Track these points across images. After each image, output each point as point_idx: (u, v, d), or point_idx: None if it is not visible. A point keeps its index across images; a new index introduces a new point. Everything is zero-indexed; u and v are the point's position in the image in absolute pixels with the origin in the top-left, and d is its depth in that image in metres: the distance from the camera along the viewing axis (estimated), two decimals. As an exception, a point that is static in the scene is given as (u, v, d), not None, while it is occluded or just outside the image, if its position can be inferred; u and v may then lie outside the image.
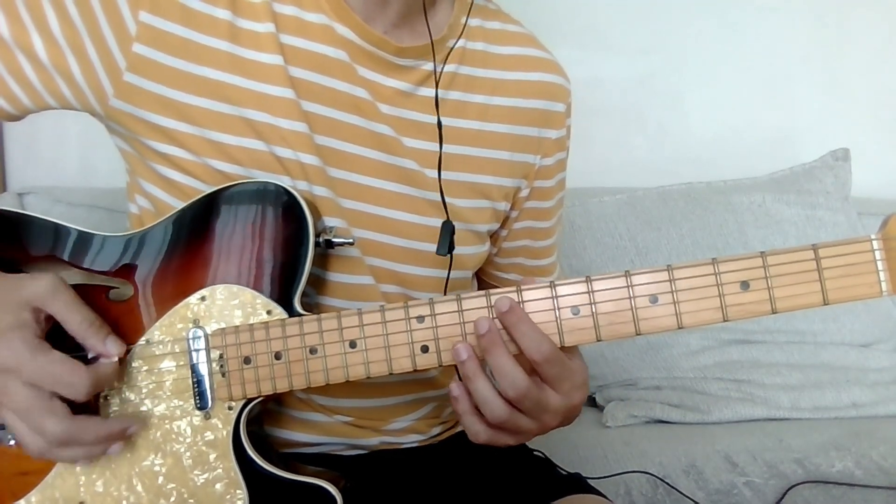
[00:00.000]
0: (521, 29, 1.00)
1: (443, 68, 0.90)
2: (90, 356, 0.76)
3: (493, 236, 1.03)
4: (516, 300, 0.74)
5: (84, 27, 0.79)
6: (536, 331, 0.73)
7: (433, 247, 0.89)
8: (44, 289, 0.73)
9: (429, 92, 0.90)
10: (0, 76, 0.80)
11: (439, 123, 0.88)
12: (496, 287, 0.76)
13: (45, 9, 0.78)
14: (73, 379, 0.70)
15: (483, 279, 1.09)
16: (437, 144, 0.89)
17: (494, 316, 0.74)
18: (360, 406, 0.93)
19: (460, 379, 0.75)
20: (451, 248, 0.87)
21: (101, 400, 0.79)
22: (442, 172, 0.89)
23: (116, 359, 0.75)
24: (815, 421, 1.61)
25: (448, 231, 0.87)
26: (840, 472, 1.39)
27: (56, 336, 0.74)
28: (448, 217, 0.88)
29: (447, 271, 0.91)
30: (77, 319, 0.73)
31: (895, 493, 1.35)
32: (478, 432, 0.75)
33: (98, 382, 0.72)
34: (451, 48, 0.91)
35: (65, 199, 1.71)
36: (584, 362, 0.79)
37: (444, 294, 0.88)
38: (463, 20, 0.92)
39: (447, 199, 0.90)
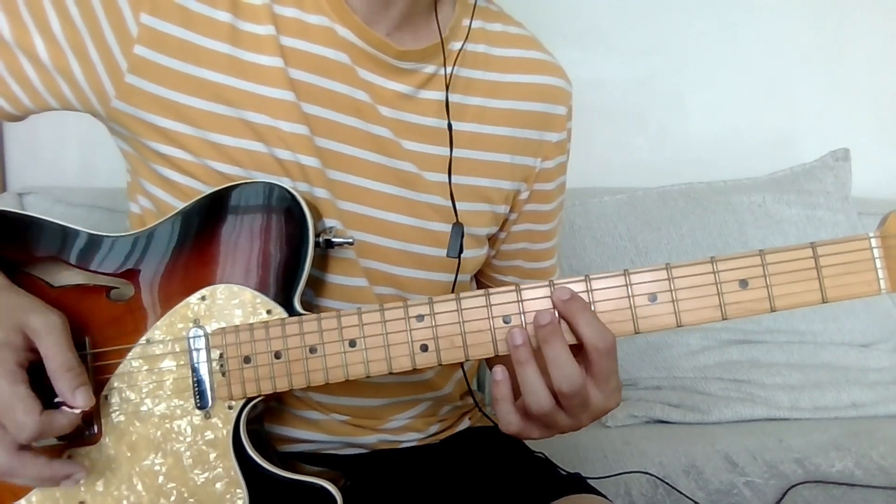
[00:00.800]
0: (522, 31, 1.00)
1: (452, 70, 0.90)
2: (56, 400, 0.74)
3: (492, 239, 1.03)
4: (514, 299, 0.74)
5: (85, 28, 0.79)
6: (598, 320, 0.72)
7: (429, 250, 0.89)
8: (42, 325, 0.72)
9: (430, 95, 0.90)
10: (1, 77, 0.80)
11: (450, 126, 0.88)
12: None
13: (47, 10, 0.79)
14: (22, 418, 0.69)
15: (481, 281, 1.09)
16: (437, 147, 0.89)
17: (553, 304, 0.73)
18: (356, 405, 0.94)
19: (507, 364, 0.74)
20: (461, 250, 0.87)
21: (102, 399, 0.79)
22: (441, 175, 0.89)
23: (79, 412, 0.73)
24: (815, 421, 1.60)
25: (458, 233, 0.87)
26: (840, 472, 1.39)
27: (39, 371, 0.73)
28: (457, 219, 0.88)
29: (451, 274, 0.91)
30: (58, 361, 0.72)
31: (895, 493, 1.35)
32: (511, 422, 0.74)
33: (46, 431, 0.71)
34: (455, 51, 0.91)
35: (65, 200, 1.71)
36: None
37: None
38: (465, 22, 0.92)
39: (445, 202, 0.91)
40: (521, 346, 0.72)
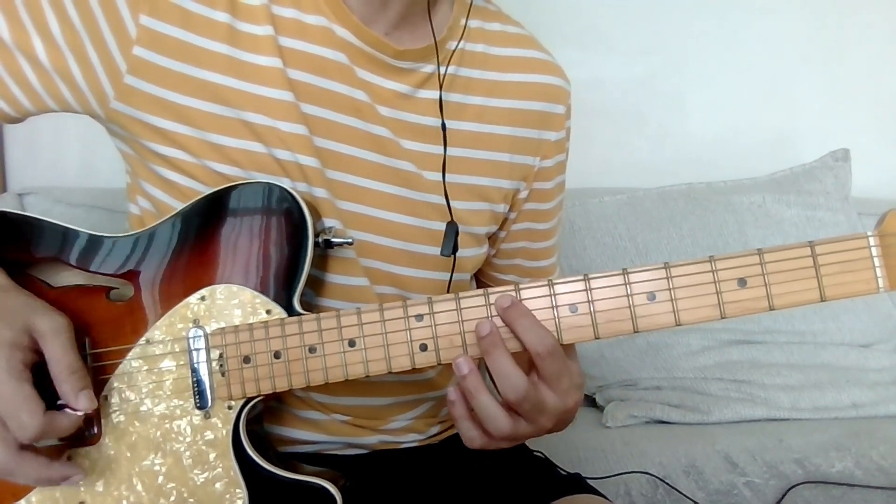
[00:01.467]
0: (521, 30, 1.00)
1: (446, 70, 0.90)
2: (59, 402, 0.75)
3: (492, 238, 1.03)
4: (516, 299, 0.74)
5: (84, 30, 0.79)
6: (539, 325, 0.73)
7: (429, 249, 0.89)
8: (48, 327, 0.73)
9: (428, 94, 0.90)
10: (0, 78, 0.80)
11: (443, 126, 0.88)
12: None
13: (46, 11, 0.79)
14: (25, 418, 0.69)
15: (482, 281, 1.09)
16: (437, 147, 0.89)
17: (494, 315, 0.74)
18: (357, 405, 0.94)
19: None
20: (454, 248, 0.87)
21: (102, 399, 0.79)
22: (437, 174, 0.89)
23: (81, 414, 0.74)
24: (815, 421, 1.60)
25: (452, 232, 0.87)
26: (840, 472, 1.38)
27: (44, 372, 0.73)
28: (452, 218, 0.88)
29: (450, 273, 0.91)
30: (63, 364, 0.73)
31: (895, 493, 1.35)
32: (473, 438, 0.75)
33: (48, 432, 0.71)
34: (452, 50, 0.91)
35: (65, 200, 1.71)
36: (580, 367, 0.79)
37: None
38: (462, 22, 0.92)
39: (444, 201, 0.91)
40: (468, 376, 0.72)
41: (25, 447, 0.72)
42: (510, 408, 0.73)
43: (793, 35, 2.10)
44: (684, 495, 1.34)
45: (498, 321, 0.74)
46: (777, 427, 1.55)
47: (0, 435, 0.70)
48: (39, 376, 0.73)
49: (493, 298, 0.75)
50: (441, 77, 0.89)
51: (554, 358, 0.72)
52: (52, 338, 0.73)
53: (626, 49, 2.07)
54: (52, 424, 0.71)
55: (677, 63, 2.08)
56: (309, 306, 0.82)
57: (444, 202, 0.90)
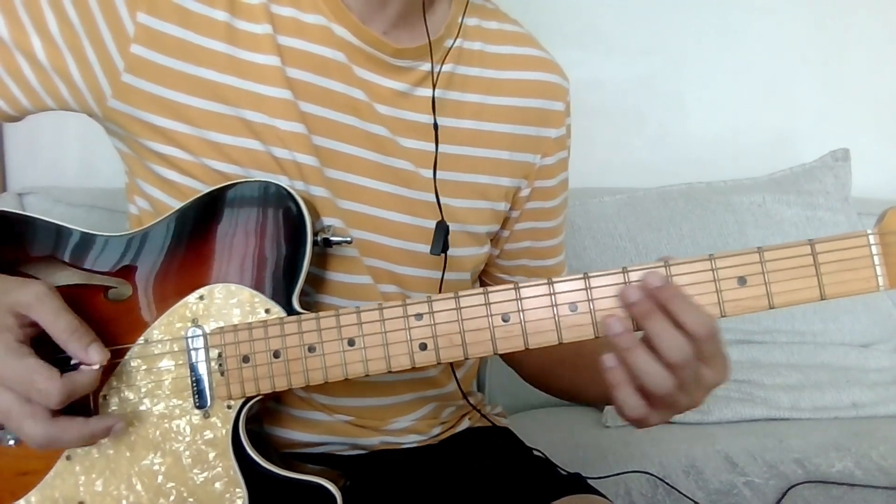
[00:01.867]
0: (518, 28, 1.00)
1: (440, 68, 0.90)
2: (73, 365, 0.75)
3: (495, 238, 1.03)
4: (513, 297, 0.74)
5: (82, 28, 0.79)
6: (696, 305, 0.70)
7: (427, 247, 0.89)
8: (30, 296, 0.73)
9: (426, 92, 0.90)
10: None
11: (435, 126, 0.88)
12: None
13: (44, 10, 0.79)
14: (45, 386, 0.70)
15: (487, 282, 1.09)
16: (434, 145, 0.89)
17: (644, 292, 0.71)
18: (360, 405, 0.93)
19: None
20: (444, 247, 0.87)
21: (101, 399, 0.79)
22: (439, 172, 0.89)
23: (98, 366, 0.74)
24: (815, 421, 1.60)
25: (442, 231, 0.87)
26: (840, 472, 1.38)
27: (46, 342, 0.73)
28: (442, 217, 0.88)
29: (446, 272, 0.91)
30: (60, 326, 0.73)
31: (895, 493, 1.35)
32: (634, 405, 0.72)
33: (73, 391, 0.72)
34: (449, 48, 0.91)
35: (65, 200, 1.71)
36: None
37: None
38: (460, 20, 0.92)
39: (443, 200, 0.90)
40: (623, 334, 0.70)
41: (57, 413, 0.72)
42: (674, 371, 0.70)
43: (793, 35, 2.10)
44: (684, 495, 1.34)
45: (496, 321, 0.73)
46: (777, 427, 1.55)
47: (29, 411, 0.71)
48: (45, 349, 0.73)
49: (642, 275, 0.72)
50: (435, 76, 0.89)
51: (714, 339, 0.70)
52: (38, 306, 0.73)
53: (626, 49, 2.07)
54: (73, 383, 0.72)
55: (677, 63, 2.08)
56: (311, 305, 0.82)
57: (446, 200, 0.90)
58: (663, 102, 2.10)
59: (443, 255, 0.87)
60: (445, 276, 0.91)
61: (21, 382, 0.70)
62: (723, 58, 2.09)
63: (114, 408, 0.79)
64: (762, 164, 1.93)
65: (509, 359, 1.10)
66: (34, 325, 0.73)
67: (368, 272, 0.89)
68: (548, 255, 1.07)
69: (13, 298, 0.73)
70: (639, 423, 0.74)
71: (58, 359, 0.73)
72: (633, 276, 0.73)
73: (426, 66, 0.90)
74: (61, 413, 0.72)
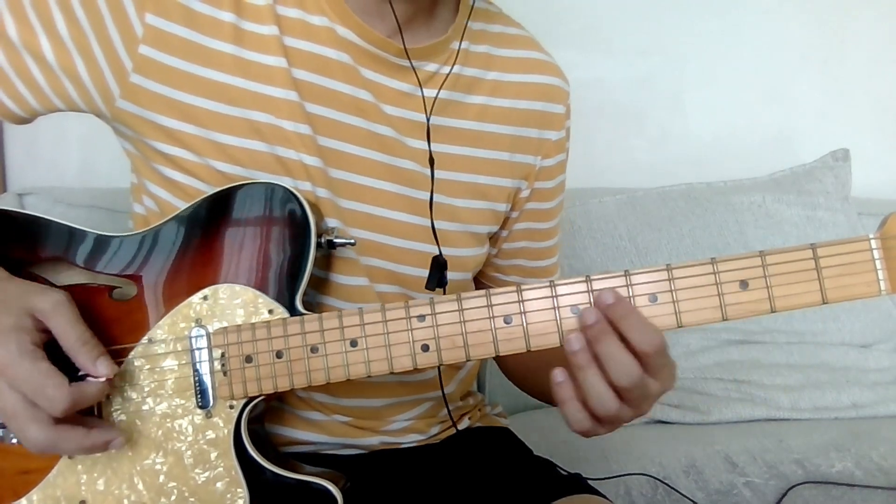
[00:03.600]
0: (522, 32, 1.01)
1: (450, 70, 0.91)
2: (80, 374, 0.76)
3: (493, 237, 1.03)
4: (515, 300, 0.74)
5: (91, 29, 0.79)
6: (646, 322, 0.71)
7: (431, 247, 0.89)
8: (48, 304, 0.74)
9: (430, 93, 0.90)
10: (8, 78, 0.81)
11: (431, 160, 0.88)
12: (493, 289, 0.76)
13: (53, 11, 0.79)
14: (53, 392, 0.70)
15: (482, 281, 1.09)
16: (440, 145, 0.90)
17: (597, 307, 0.72)
18: (358, 405, 0.94)
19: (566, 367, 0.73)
20: (441, 283, 0.87)
21: (104, 399, 0.79)
22: (440, 172, 0.89)
23: (104, 379, 0.75)
24: (815, 421, 1.60)
25: (438, 266, 0.87)
26: (840, 472, 1.38)
27: (54, 351, 0.74)
28: (440, 251, 0.88)
29: (452, 272, 0.91)
30: (72, 337, 0.74)
31: (895, 493, 1.35)
32: (580, 420, 0.73)
33: (79, 401, 0.72)
34: (455, 50, 0.91)
35: (65, 200, 1.70)
36: None
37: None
38: (465, 23, 0.92)
39: (445, 199, 0.91)
40: (579, 352, 0.71)
41: (61, 421, 0.72)
42: (619, 393, 0.72)
43: (793, 35, 2.10)
44: (684, 496, 1.34)
45: (498, 323, 0.74)
46: (777, 427, 1.55)
47: (32, 416, 0.71)
48: (54, 355, 0.73)
49: (596, 293, 0.73)
50: (443, 82, 0.90)
51: (661, 354, 0.71)
52: (55, 314, 0.73)
53: (626, 49, 2.07)
54: (80, 393, 0.72)
55: (677, 63, 2.09)
56: (311, 306, 0.82)
57: (447, 200, 0.91)
58: (663, 102, 2.10)
59: (434, 290, 0.87)
60: (455, 276, 0.92)
61: (31, 386, 0.71)
62: (723, 58, 2.09)
63: (116, 407, 0.79)
64: (762, 164, 1.94)
65: (500, 360, 1.10)
66: (48, 331, 0.74)
67: (365, 273, 0.89)
68: (543, 256, 1.08)
69: (33, 303, 0.73)
70: (584, 434, 0.76)
71: (67, 367, 0.73)
72: (635, 279, 0.73)
73: (431, 67, 0.90)
74: (63, 420, 0.72)
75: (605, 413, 0.72)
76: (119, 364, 0.79)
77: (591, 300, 0.73)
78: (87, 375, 0.75)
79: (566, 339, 0.72)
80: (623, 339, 0.71)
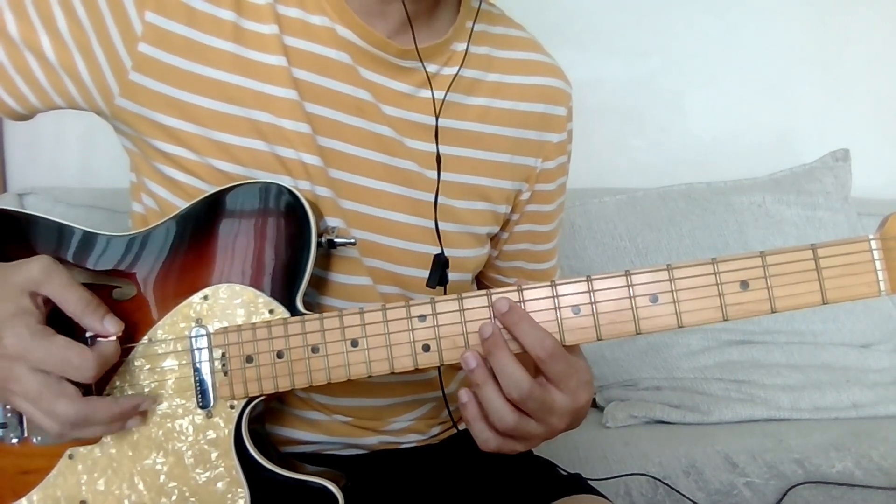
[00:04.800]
0: (524, 34, 1.00)
1: (458, 72, 0.91)
2: (88, 338, 0.76)
3: (494, 239, 1.03)
4: (517, 300, 0.74)
5: (91, 27, 0.79)
6: (538, 328, 0.73)
7: (432, 248, 0.89)
8: (37, 272, 0.73)
9: (430, 94, 0.90)
10: (8, 75, 0.81)
11: (438, 158, 0.88)
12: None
13: (54, 8, 0.79)
14: (79, 361, 0.71)
15: (483, 283, 1.09)
16: (440, 146, 0.89)
17: (495, 316, 0.74)
18: (358, 406, 0.94)
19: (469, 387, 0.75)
20: (443, 281, 0.87)
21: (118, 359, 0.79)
22: (441, 174, 0.89)
23: (115, 337, 0.75)
24: (815, 421, 1.61)
25: (440, 264, 0.87)
26: (840, 472, 1.39)
27: (53, 320, 0.74)
28: (442, 250, 0.88)
29: (453, 273, 0.91)
30: (74, 299, 0.73)
31: (895, 493, 1.35)
32: (487, 439, 0.75)
33: (105, 362, 0.73)
34: (456, 52, 0.91)
35: (65, 200, 1.71)
36: (587, 362, 0.79)
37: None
38: (468, 24, 0.92)
39: (445, 200, 0.91)
40: (476, 369, 0.73)
41: (89, 394, 0.73)
42: (516, 405, 0.73)
43: (793, 35, 2.10)
44: (684, 496, 1.35)
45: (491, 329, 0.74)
46: (777, 427, 1.55)
47: (61, 390, 0.71)
48: (56, 327, 0.73)
49: (492, 302, 0.74)
50: (450, 82, 0.90)
51: (556, 359, 0.72)
52: (48, 280, 0.73)
53: (626, 49, 2.07)
54: (102, 353, 0.73)
55: (677, 63, 2.09)
56: (312, 306, 0.82)
57: (448, 201, 0.91)
58: (663, 102, 2.10)
59: (434, 287, 0.87)
60: (455, 276, 0.92)
61: (55, 361, 0.71)
62: (723, 58, 2.09)
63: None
64: (762, 164, 1.94)
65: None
66: (48, 302, 0.74)
67: (368, 273, 0.89)
68: (543, 259, 1.08)
69: (23, 277, 0.72)
70: (498, 452, 0.76)
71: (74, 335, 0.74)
72: (636, 279, 0.73)
73: (431, 68, 0.90)
74: (89, 392, 0.73)
75: (504, 427, 0.73)
76: (119, 364, 0.79)
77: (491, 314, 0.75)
78: (94, 338, 0.75)
79: (463, 358, 0.73)
80: (521, 347, 0.73)
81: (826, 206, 1.86)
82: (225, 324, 0.79)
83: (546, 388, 0.73)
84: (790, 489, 1.35)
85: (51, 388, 0.71)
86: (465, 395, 0.74)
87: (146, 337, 0.80)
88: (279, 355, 0.77)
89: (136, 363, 0.79)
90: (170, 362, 0.79)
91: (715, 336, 1.74)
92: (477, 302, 0.75)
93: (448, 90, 0.89)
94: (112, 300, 0.80)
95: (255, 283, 0.79)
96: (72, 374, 0.71)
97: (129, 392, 0.79)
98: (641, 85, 2.08)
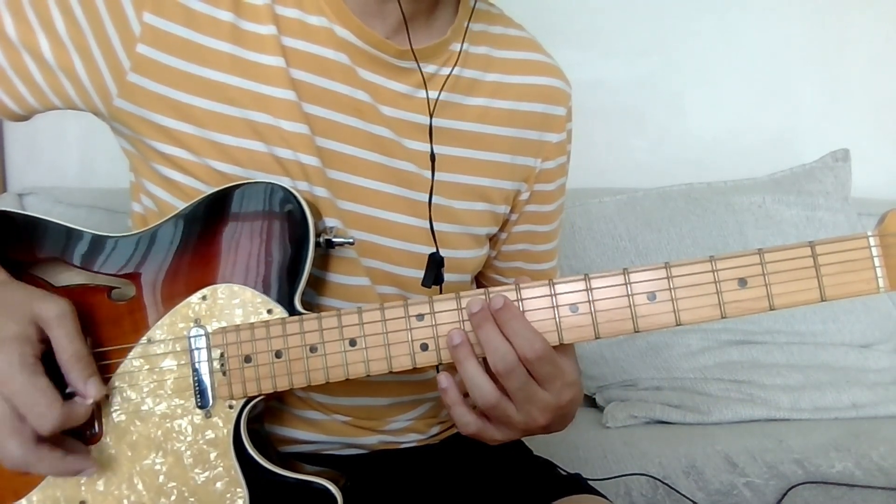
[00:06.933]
0: (523, 33, 1.00)
1: (451, 72, 0.91)
2: (67, 391, 0.75)
3: (493, 239, 1.03)
4: (515, 298, 0.74)
5: (89, 28, 0.80)
6: (529, 328, 0.73)
7: (430, 249, 0.89)
8: (53, 313, 0.73)
9: (430, 94, 0.90)
10: (6, 76, 0.81)
11: (432, 156, 0.88)
12: None
13: (52, 9, 0.79)
14: (45, 411, 0.70)
15: (482, 283, 1.09)
16: (438, 146, 0.89)
17: (465, 319, 0.75)
18: (358, 405, 0.94)
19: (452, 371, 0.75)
20: (438, 281, 0.87)
21: (103, 399, 0.79)
22: (439, 174, 0.89)
23: (91, 402, 0.74)
24: (815, 421, 1.60)
25: (435, 265, 0.87)
26: (840, 472, 1.39)
27: (51, 361, 0.74)
28: (437, 249, 0.88)
29: (451, 274, 0.91)
30: (69, 351, 0.74)
31: (895, 493, 1.35)
32: (467, 423, 0.75)
33: (67, 422, 0.72)
34: (455, 52, 0.91)
35: (65, 200, 1.71)
36: (577, 363, 0.79)
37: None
38: (465, 24, 0.92)
39: (444, 201, 0.91)
40: (460, 346, 0.73)
41: (42, 440, 0.72)
42: (500, 384, 0.73)
43: (793, 35, 2.10)
44: (684, 496, 1.34)
45: (468, 326, 0.74)
46: (777, 427, 1.55)
47: (17, 428, 0.71)
48: (50, 366, 0.73)
49: (464, 303, 0.75)
50: (444, 82, 0.90)
51: (544, 361, 0.73)
52: (58, 325, 0.73)
53: (626, 49, 2.07)
54: (69, 414, 0.72)
55: (677, 63, 2.08)
56: (310, 306, 0.82)
57: (446, 202, 0.91)
58: (663, 102, 2.10)
59: (429, 287, 0.87)
60: (446, 278, 0.92)
61: (24, 399, 0.70)
62: (723, 58, 2.09)
63: (116, 407, 0.79)
64: (762, 165, 1.94)
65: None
66: (47, 340, 0.74)
67: (366, 273, 0.89)
68: (542, 259, 1.08)
69: (38, 310, 0.73)
70: (477, 437, 0.77)
71: (58, 381, 0.73)
72: (634, 277, 0.73)
73: (430, 68, 0.90)
74: (44, 440, 0.72)
75: (485, 403, 0.73)
76: (118, 365, 0.79)
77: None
78: (74, 396, 0.74)
79: (448, 334, 0.74)
80: (510, 346, 0.73)
81: (826, 207, 1.86)
82: (223, 324, 0.79)
83: (530, 381, 0.73)
84: (790, 489, 1.35)
85: (8, 423, 0.70)
86: (444, 380, 0.75)
87: (145, 337, 0.80)
88: (277, 355, 0.77)
89: (134, 363, 0.79)
90: (168, 362, 0.79)
91: (715, 336, 1.74)
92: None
93: (442, 90, 0.89)
94: (111, 300, 0.81)
95: (254, 284, 0.79)
96: (31, 419, 0.70)
97: (129, 393, 0.79)
98: (641, 85, 2.08)
